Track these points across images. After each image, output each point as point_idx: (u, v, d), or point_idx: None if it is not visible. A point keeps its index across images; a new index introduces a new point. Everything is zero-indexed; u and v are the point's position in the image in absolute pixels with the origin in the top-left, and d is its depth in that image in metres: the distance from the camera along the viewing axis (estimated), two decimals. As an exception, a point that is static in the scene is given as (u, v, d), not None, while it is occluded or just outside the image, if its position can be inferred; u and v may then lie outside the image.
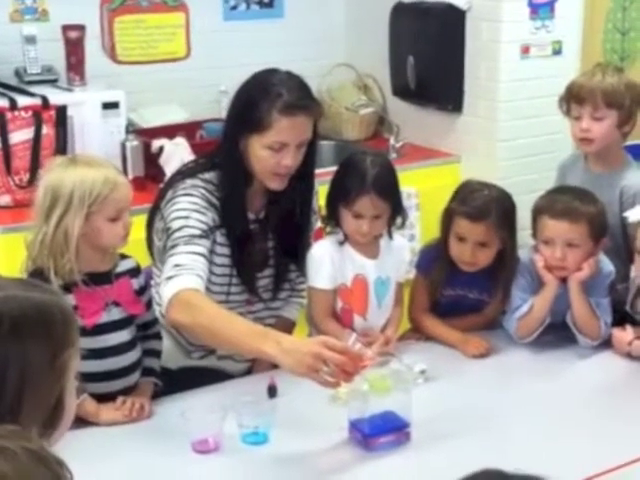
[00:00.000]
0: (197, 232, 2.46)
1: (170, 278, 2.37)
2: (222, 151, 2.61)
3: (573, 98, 2.93)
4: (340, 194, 2.63)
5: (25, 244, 2.32)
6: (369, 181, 2.57)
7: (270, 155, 2.49)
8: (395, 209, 2.66)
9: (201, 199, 2.52)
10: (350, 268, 2.67)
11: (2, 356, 1.35)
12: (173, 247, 2.44)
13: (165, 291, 2.36)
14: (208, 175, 2.57)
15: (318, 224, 2.81)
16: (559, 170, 3.15)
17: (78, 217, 2.25)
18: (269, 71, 2.57)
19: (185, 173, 2.61)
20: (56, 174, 2.29)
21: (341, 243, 2.66)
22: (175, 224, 2.47)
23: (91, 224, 2.27)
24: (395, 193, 2.66)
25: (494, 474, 1.24)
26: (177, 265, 2.39)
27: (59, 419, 1.43)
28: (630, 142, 3.10)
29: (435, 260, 2.83)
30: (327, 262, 2.63)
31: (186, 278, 2.36)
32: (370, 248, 2.69)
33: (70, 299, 2.20)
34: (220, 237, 2.55)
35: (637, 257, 2.65)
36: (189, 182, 2.55)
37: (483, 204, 2.72)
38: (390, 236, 2.72)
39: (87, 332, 2.24)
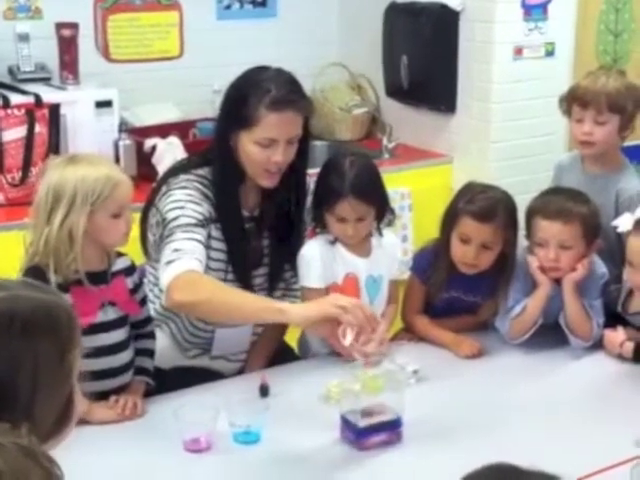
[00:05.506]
0: (193, 221, 2.46)
1: (170, 262, 2.37)
2: (214, 148, 2.61)
3: (577, 101, 2.91)
4: (322, 198, 2.63)
5: (24, 244, 2.30)
6: (347, 185, 2.56)
7: (259, 151, 2.49)
8: (380, 209, 2.65)
9: (196, 191, 2.52)
10: (341, 267, 2.66)
11: (15, 356, 1.34)
12: (170, 235, 2.43)
13: (165, 275, 2.36)
14: (202, 171, 2.57)
15: (312, 223, 2.80)
16: (556, 170, 3.14)
17: (82, 216, 2.24)
18: (259, 68, 2.57)
19: (179, 169, 2.61)
20: (57, 173, 2.26)
21: (332, 242, 2.66)
22: (171, 214, 2.47)
23: (93, 222, 2.26)
24: (376, 194, 2.64)
25: (507, 468, 1.24)
26: (177, 250, 2.39)
27: (69, 419, 1.43)
28: (629, 142, 3.10)
29: (432, 264, 2.81)
30: (317, 262, 2.63)
31: (186, 261, 2.36)
32: (361, 247, 2.69)
33: (67, 298, 2.19)
34: (215, 231, 2.55)
35: (627, 267, 2.65)
36: (183, 177, 2.55)
37: (490, 205, 2.71)
38: (380, 233, 2.72)
39: (82, 331, 2.22)
